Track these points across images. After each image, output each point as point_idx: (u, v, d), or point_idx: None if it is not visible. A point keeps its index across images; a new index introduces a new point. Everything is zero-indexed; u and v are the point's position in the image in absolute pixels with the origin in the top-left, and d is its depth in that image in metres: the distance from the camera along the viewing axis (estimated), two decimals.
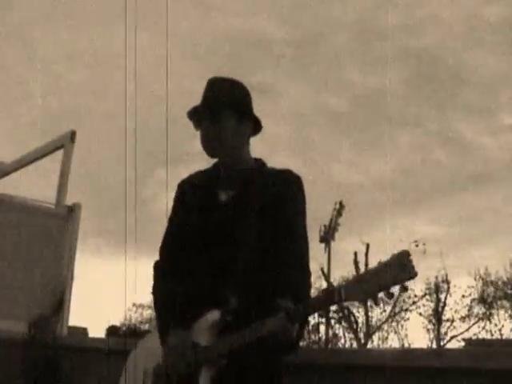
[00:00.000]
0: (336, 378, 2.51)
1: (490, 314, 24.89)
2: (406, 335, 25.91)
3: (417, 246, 24.21)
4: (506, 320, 24.66)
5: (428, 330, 25.63)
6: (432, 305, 25.48)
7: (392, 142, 33.79)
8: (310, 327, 25.18)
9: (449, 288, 24.92)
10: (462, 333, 25.07)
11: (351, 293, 1.78)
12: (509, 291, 24.92)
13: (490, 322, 24.72)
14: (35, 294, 6.21)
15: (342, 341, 26.33)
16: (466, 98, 34.82)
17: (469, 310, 25.13)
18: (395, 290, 1.73)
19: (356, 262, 24.60)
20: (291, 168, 2.36)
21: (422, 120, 36.08)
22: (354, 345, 25.08)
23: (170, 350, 2.18)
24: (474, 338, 24.39)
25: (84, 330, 20.01)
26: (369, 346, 24.70)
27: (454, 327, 25.22)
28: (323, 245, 22.38)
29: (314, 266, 24.37)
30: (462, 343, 24.58)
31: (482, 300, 25.10)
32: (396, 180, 34.91)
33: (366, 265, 24.61)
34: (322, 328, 24.82)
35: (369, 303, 25.60)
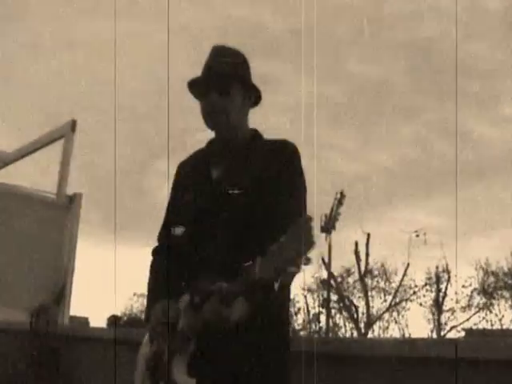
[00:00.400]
0: (336, 367, 2.52)
1: (491, 304, 24.95)
2: (407, 325, 26.00)
3: (417, 236, 24.28)
4: (506, 310, 24.73)
5: (428, 320, 25.72)
6: (432, 295, 25.55)
7: (393, 133, 33.80)
8: (311, 316, 25.26)
9: (449, 278, 24.97)
10: (462, 323, 25.15)
11: (265, 270, 1.74)
12: (509, 281, 24.96)
13: (491, 312, 24.79)
14: (36, 284, 6.22)
15: (343, 330, 26.43)
16: (468, 89, 34.71)
17: (469, 300, 25.19)
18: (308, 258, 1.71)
19: (357, 252, 24.66)
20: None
21: (423, 110, 36.01)
22: (355, 334, 25.14)
23: (145, 334, 2.20)
24: (474, 328, 24.45)
25: (85, 320, 20.09)
26: (369, 335, 24.76)
27: (455, 317, 25.29)
28: (324, 234, 22.36)
29: (315, 256, 24.39)
30: (463, 333, 24.65)
31: (482, 290, 25.14)
32: (397, 170, 34.92)
33: (367, 254, 24.68)
34: (323, 318, 24.88)
35: (369, 294, 25.69)
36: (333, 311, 25.95)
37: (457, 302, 25.16)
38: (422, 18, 34.21)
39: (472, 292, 25.21)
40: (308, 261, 1.75)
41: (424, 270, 25.27)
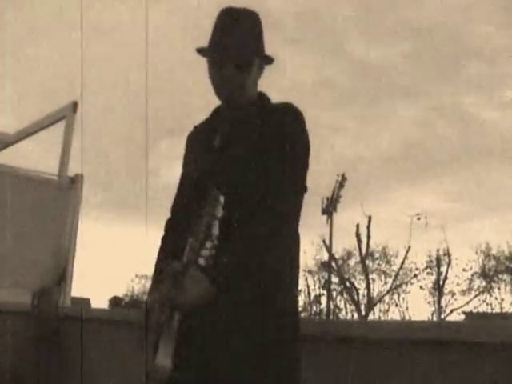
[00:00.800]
0: (337, 349, 2.53)
1: (491, 288, 25.02)
2: (407, 308, 26.10)
3: (419, 219, 24.29)
4: (506, 294, 24.81)
5: (429, 302, 25.80)
6: (433, 278, 25.61)
7: (395, 116, 33.70)
8: (312, 298, 25.35)
9: (450, 261, 25.02)
10: (462, 306, 25.23)
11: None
12: (510, 265, 25.01)
13: (491, 296, 24.86)
14: (38, 265, 6.24)
15: (344, 312, 26.54)
16: (471, 72, 34.58)
17: (470, 284, 25.26)
18: None
19: (358, 235, 24.66)
20: None
21: (426, 94, 35.89)
22: (355, 317, 25.24)
23: (147, 309, 2.05)
24: (474, 311, 24.54)
25: (87, 301, 20.17)
26: (370, 318, 24.86)
27: (456, 300, 25.37)
28: (325, 217, 22.37)
29: (316, 238, 24.48)
30: (463, 316, 24.74)
31: (483, 274, 25.21)
32: (399, 153, 34.88)
33: (368, 237, 24.70)
34: (324, 300, 24.97)
35: (370, 276, 25.74)
36: (334, 293, 26.05)
37: (457, 285, 25.24)
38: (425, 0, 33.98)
39: (472, 275, 25.29)
40: None
41: (425, 253, 25.34)
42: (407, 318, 25.48)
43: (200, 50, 2.14)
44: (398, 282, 26.11)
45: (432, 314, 25.52)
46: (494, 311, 24.29)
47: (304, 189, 2.07)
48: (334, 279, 25.66)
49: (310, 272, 26.18)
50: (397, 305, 26.13)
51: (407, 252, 24.95)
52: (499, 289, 25.10)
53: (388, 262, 26.74)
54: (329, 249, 23.05)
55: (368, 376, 2.54)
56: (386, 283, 26.34)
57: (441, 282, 25.34)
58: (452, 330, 2.33)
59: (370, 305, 25.38)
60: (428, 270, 25.55)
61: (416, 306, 33.31)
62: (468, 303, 25.13)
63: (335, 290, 26.17)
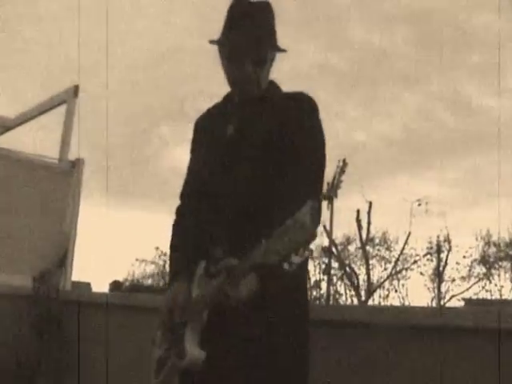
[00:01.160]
0: (336, 334, 2.54)
1: (491, 275, 25.06)
2: (407, 294, 26.15)
3: (419, 205, 24.26)
4: (506, 281, 24.84)
5: (428, 288, 25.85)
6: (433, 264, 25.64)
7: (396, 102, 33.60)
8: (312, 283, 25.40)
9: (450, 248, 25.04)
10: (462, 292, 25.28)
11: (267, 255, 1.68)
12: (510, 252, 25.04)
13: (490, 283, 24.90)
14: (39, 249, 6.26)
15: (343, 298, 26.60)
16: (472, 59, 34.46)
17: (470, 270, 25.30)
18: None
19: (358, 220, 24.66)
20: None
21: (427, 80, 35.78)
22: (355, 302, 25.30)
23: (164, 301, 2.13)
24: (473, 297, 24.60)
25: (87, 285, 20.20)
26: (369, 303, 24.92)
27: (456, 285, 25.42)
28: (325, 202, 22.35)
29: None
30: (462, 302, 24.80)
31: (483, 260, 25.24)
32: (400, 139, 34.80)
33: (369, 223, 24.71)
34: (324, 285, 25.02)
35: (370, 262, 25.80)
36: (334, 278, 26.10)
37: (457, 271, 25.27)
38: None
39: (472, 262, 25.32)
40: (310, 252, 1.72)
41: (425, 239, 25.34)
42: (407, 304, 25.54)
43: (217, 43, 2.14)
44: (397, 268, 26.15)
45: (431, 301, 25.59)
46: (493, 298, 24.34)
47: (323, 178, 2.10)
48: (334, 265, 25.71)
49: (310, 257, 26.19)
50: (396, 291, 26.19)
51: (407, 238, 24.97)
52: (499, 276, 25.16)
53: (388, 248, 26.77)
54: (329, 234, 23.05)
55: (367, 361, 2.55)
56: (385, 269, 26.38)
57: (441, 269, 25.38)
58: (451, 316, 2.34)
59: (370, 290, 25.43)
60: (428, 256, 25.58)
61: (416, 293, 33.39)
62: (468, 290, 25.19)
63: (335, 275, 26.21)
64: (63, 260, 6.22)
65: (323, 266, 25.23)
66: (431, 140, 35.33)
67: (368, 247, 25.69)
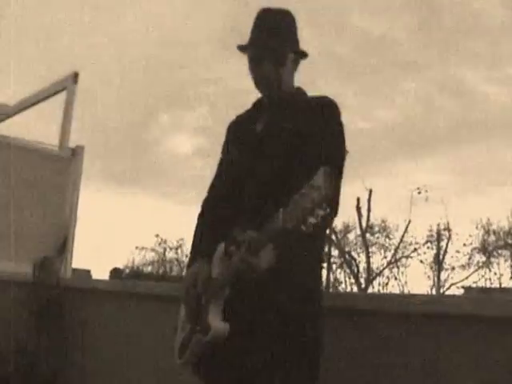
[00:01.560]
0: (336, 321, 2.54)
1: (490, 263, 25.11)
2: (406, 282, 26.21)
3: (419, 193, 24.28)
4: (505, 269, 24.91)
5: (428, 277, 25.90)
6: (433, 252, 25.68)
7: (397, 89, 33.54)
8: None
9: (450, 236, 25.08)
10: (461, 280, 25.34)
11: (286, 219, 1.75)
12: (510, 241, 25.08)
13: (490, 271, 24.96)
14: (39, 236, 6.26)
15: (343, 285, 26.66)
16: (473, 46, 34.34)
17: (469, 259, 25.34)
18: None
19: (358, 208, 24.69)
20: None
21: (428, 67, 35.67)
22: (355, 290, 25.36)
23: (184, 280, 2.28)
24: (473, 285, 24.66)
25: (87, 273, 20.26)
26: (369, 291, 24.98)
27: (455, 274, 25.48)
28: None
29: None
30: (462, 291, 24.87)
31: (482, 249, 25.28)
32: (400, 127, 34.78)
33: (369, 210, 24.73)
34: (324, 272, 25.04)
35: (370, 250, 25.84)
36: (334, 266, 26.16)
37: (457, 259, 25.32)
38: None
39: (472, 250, 25.37)
40: (327, 213, 1.72)
41: (425, 227, 25.38)
42: (406, 291, 25.60)
43: (241, 48, 2.36)
44: (397, 256, 26.20)
45: (431, 288, 25.66)
46: (492, 286, 24.40)
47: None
48: (334, 252, 25.77)
49: None
50: (396, 278, 26.24)
51: (407, 226, 25.01)
52: (498, 264, 25.22)
53: (388, 236, 26.80)
54: None
55: (367, 348, 2.55)
56: (385, 257, 26.43)
57: (440, 257, 25.43)
58: (451, 304, 2.34)
59: (370, 278, 25.49)
60: (428, 244, 25.64)
61: (415, 280, 33.46)
62: (467, 278, 25.25)
63: (335, 263, 26.29)
64: (63, 247, 6.22)
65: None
66: (432, 127, 35.31)
67: (368, 235, 25.71)
